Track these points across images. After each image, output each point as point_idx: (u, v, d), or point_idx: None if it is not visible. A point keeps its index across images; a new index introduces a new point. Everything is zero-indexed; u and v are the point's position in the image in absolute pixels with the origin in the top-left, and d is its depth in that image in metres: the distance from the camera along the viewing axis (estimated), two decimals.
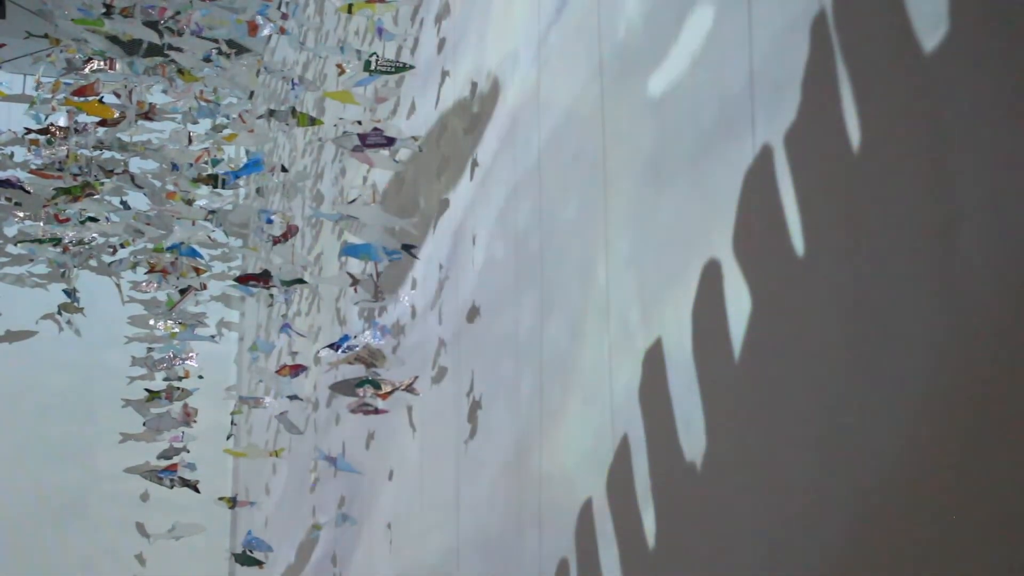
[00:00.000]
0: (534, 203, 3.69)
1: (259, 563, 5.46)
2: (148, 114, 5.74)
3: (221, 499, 6.41)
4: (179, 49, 4.98)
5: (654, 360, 2.85)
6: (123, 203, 6.04)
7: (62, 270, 6.58)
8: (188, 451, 5.90)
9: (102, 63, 5.41)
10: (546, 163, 3.63)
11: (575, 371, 3.32)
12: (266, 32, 5.15)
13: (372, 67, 4.33)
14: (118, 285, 6.49)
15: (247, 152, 5.30)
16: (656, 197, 2.89)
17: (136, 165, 6.14)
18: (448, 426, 4.36)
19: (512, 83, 3.94)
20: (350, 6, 4.36)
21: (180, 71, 5.24)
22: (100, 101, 5.38)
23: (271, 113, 5.25)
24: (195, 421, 6.05)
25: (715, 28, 2.66)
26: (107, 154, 6.06)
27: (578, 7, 3.46)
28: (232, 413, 6.69)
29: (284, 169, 6.36)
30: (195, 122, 5.69)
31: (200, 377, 6.15)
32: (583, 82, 3.38)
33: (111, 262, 6.60)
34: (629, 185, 3.06)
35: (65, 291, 6.69)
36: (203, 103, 5.62)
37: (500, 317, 3.92)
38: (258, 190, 6.42)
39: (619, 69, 3.17)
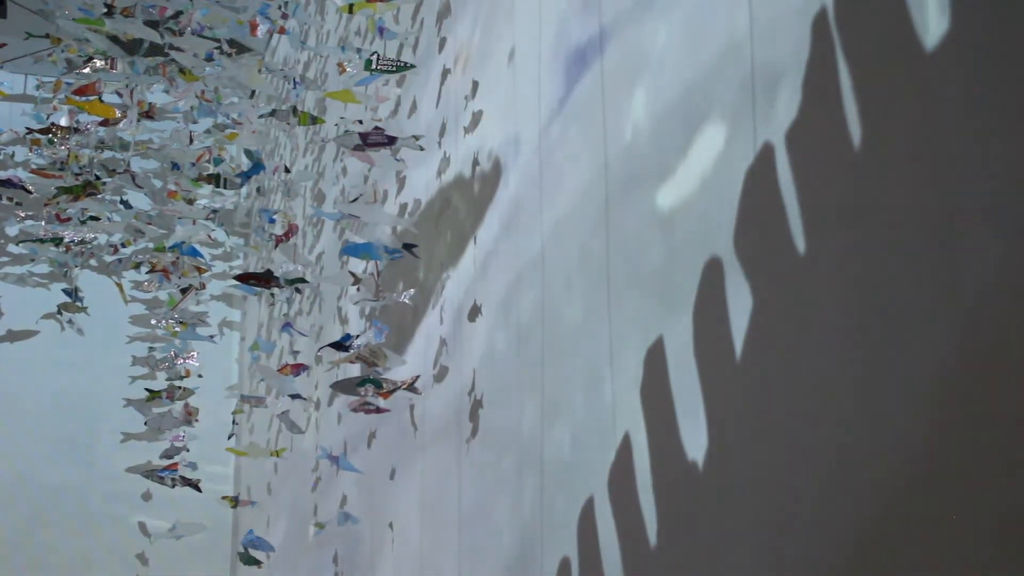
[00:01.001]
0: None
1: (257, 563, 5.47)
2: (149, 113, 5.75)
3: (224, 498, 6.42)
4: (179, 49, 4.99)
5: (655, 358, 2.85)
6: (123, 202, 6.05)
7: (64, 270, 6.59)
8: (188, 450, 5.90)
9: (103, 62, 5.42)
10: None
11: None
12: (264, 29, 5.16)
13: (373, 66, 4.34)
14: (119, 285, 6.51)
15: (247, 153, 5.30)
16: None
17: (137, 165, 6.15)
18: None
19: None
20: (351, 6, 4.36)
21: (182, 70, 5.25)
22: (100, 100, 5.39)
23: (272, 113, 5.26)
24: (197, 420, 6.06)
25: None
26: (108, 154, 6.07)
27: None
28: (233, 413, 6.70)
29: (287, 170, 6.37)
30: (195, 121, 5.70)
31: (199, 376, 6.16)
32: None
33: (111, 261, 6.61)
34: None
35: (66, 291, 6.70)
36: (204, 102, 5.63)
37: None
38: (258, 189, 6.43)
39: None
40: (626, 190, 3.09)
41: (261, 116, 5.28)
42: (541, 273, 3.62)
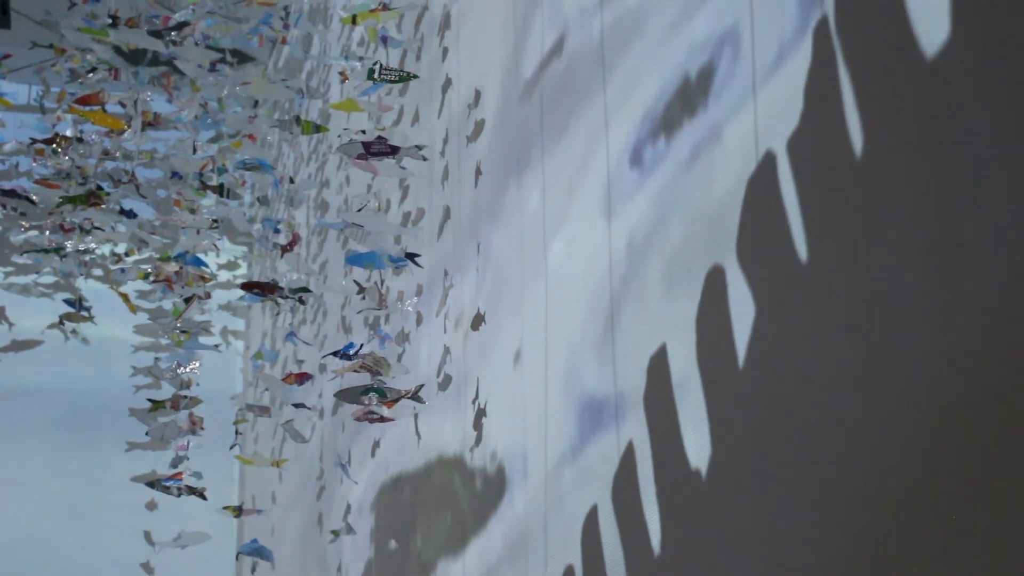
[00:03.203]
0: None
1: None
2: (153, 123, 5.76)
3: (226, 508, 6.41)
4: (181, 58, 5.00)
5: (659, 367, 2.85)
6: (123, 211, 6.04)
7: (68, 279, 6.60)
8: (188, 458, 5.90)
9: (106, 72, 5.43)
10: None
11: None
12: (261, 34, 5.17)
13: (376, 75, 4.34)
14: (124, 295, 6.51)
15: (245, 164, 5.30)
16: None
17: (142, 175, 6.15)
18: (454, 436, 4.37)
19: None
20: (354, 17, 4.37)
21: (184, 78, 5.26)
22: (104, 110, 5.40)
23: (279, 123, 5.27)
24: (202, 429, 6.05)
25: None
26: (112, 164, 6.08)
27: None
28: (235, 422, 6.70)
29: (291, 180, 6.38)
30: (197, 132, 5.70)
31: (197, 384, 6.15)
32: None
33: (114, 270, 6.62)
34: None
35: (69, 301, 6.70)
36: (206, 112, 5.64)
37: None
38: (260, 199, 6.43)
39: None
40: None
41: (273, 127, 5.29)
42: (545, 279, 3.62)
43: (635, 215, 3.00)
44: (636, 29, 3.07)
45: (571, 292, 3.41)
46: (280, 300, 4.94)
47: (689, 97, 2.76)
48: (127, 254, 6.61)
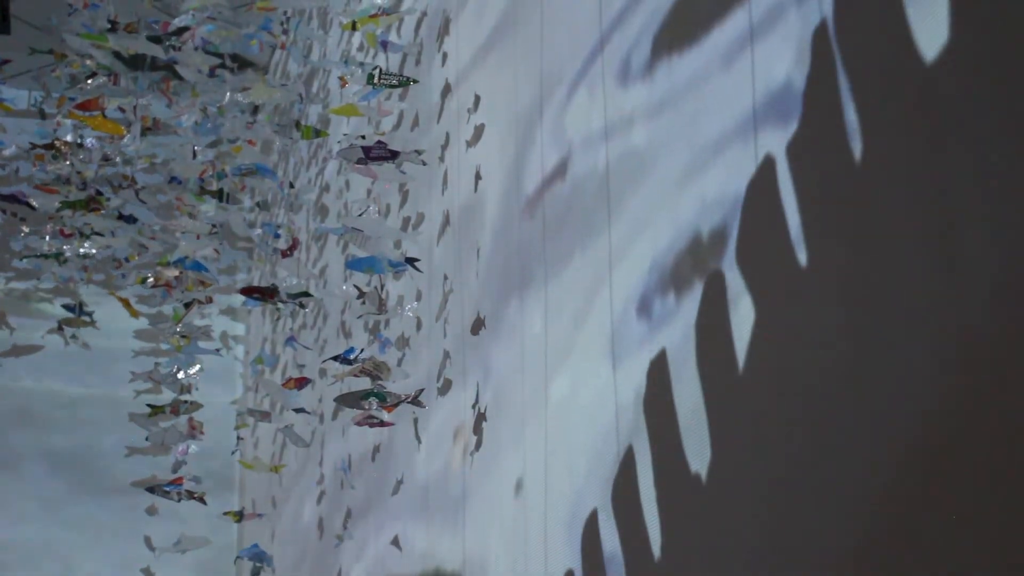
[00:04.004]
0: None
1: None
2: (152, 128, 5.76)
3: (226, 513, 6.42)
4: (183, 64, 5.01)
5: (658, 371, 2.85)
6: (120, 215, 6.04)
7: (69, 284, 6.60)
8: (186, 463, 5.90)
9: (106, 77, 5.43)
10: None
11: None
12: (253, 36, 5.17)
13: (375, 80, 4.35)
14: (125, 300, 6.51)
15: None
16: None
17: (142, 180, 6.16)
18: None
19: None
20: (354, 23, 4.37)
21: (184, 83, 5.26)
22: (104, 115, 5.41)
23: (279, 128, 5.27)
24: (202, 434, 6.06)
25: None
26: (111, 169, 6.08)
27: None
28: (236, 428, 6.70)
29: (291, 185, 6.38)
30: (197, 136, 5.70)
31: (196, 389, 6.16)
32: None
33: (115, 275, 6.62)
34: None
35: (68, 306, 6.70)
36: (206, 117, 5.64)
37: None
38: (259, 203, 6.44)
39: None
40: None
41: (276, 132, 5.30)
42: (544, 285, 3.62)
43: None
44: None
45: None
46: (280, 304, 4.94)
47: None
48: (127, 259, 6.60)
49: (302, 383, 5.21)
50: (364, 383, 4.28)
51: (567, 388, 3.42)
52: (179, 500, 5.81)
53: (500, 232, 4.04)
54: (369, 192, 5.36)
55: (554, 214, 3.57)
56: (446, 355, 4.51)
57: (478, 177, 4.27)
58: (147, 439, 5.90)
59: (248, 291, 4.95)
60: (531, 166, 3.76)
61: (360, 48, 5.73)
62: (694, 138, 2.72)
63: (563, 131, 3.52)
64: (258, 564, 5.40)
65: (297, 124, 5.33)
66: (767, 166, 2.42)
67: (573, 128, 3.46)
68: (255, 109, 5.53)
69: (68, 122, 5.92)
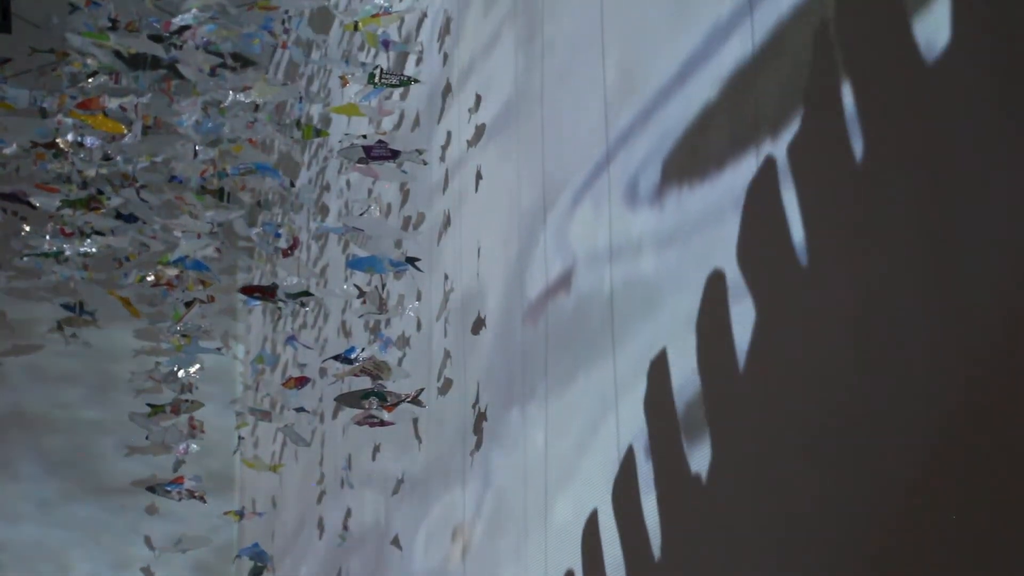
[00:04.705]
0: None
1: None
2: (153, 127, 5.75)
3: (227, 513, 6.41)
4: (184, 62, 5.00)
5: (659, 371, 2.85)
6: (119, 214, 6.03)
7: (70, 283, 6.59)
8: (184, 462, 5.89)
9: (107, 77, 5.43)
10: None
11: None
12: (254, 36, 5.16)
13: (377, 80, 4.34)
14: (126, 299, 6.50)
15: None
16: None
17: (143, 179, 6.14)
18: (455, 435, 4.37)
19: None
20: (356, 24, 4.36)
21: (185, 82, 5.26)
22: (105, 114, 5.40)
23: (279, 127, 5.26)
24: (203, 433, 6.05)
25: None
26: (112, 168, 6.07)
27: None
28: (237, 427, 6.69)
29: (292, 184, 6.37)
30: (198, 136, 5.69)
31: (196, 388, 6.15)
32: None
33: (115, 274, 6.61)
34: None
35: (67, 305, 6.69)
36: (207, 116, 5.63)
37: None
38: (259, 203, 6.43)
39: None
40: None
41: (277, 131, 5.29)
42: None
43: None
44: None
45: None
46: (281, 304, 4.94)
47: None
48: (128, 258, 6.60)
49: (302, 382, 5.20)
50: (364, 383, 4.28)
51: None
52: (180, 499, 5.81)
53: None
54: (370, 192, 5.36)
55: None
56: (447, 354, 4.51)
57: (479, 176, 4.27)
58: (147, 438, 5.89)
59: (248, 290, 4.95)
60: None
61: (361, 48, 5.73)
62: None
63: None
64: (260, 564, 5.39)
65: (298, 123, 5.33)
66: (768, 167, 2.42)
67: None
68: (256, 108, 5.52)
69: (69, 121, 5.91)
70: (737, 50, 2.52)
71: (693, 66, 2.73)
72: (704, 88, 2.67)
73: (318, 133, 5.50)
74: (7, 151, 6.61)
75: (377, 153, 4.18)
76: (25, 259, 6.54)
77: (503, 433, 3.94)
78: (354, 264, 4.29)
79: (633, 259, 3.05)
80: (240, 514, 6.52)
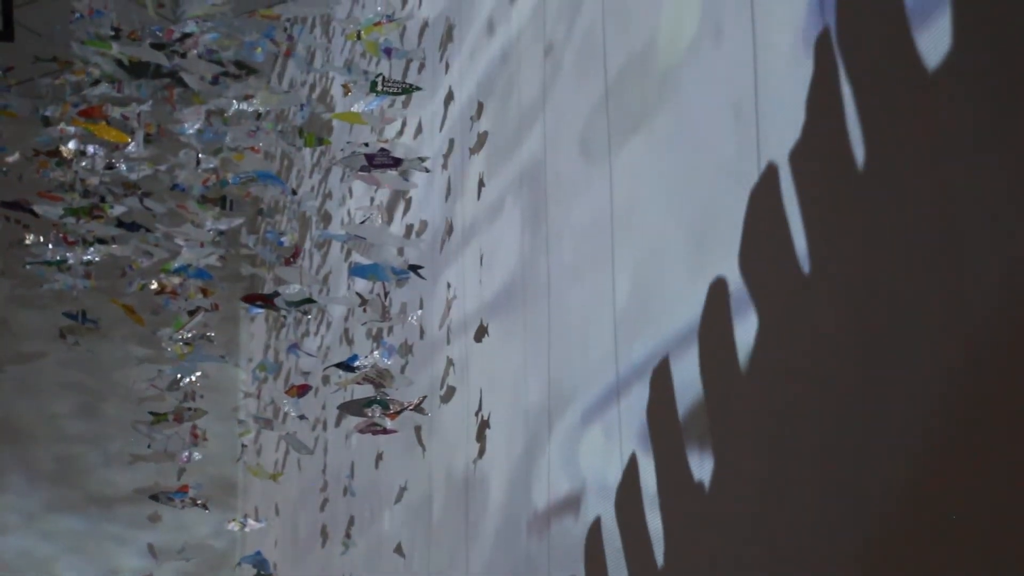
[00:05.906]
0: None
1: None
2: (156, 136, 5.77)
3: (231, 521, 6.42)
4: (186, 71, 5.01)
5: (661, 378, 2.85)
6: (120, 223, 6.04)
7: (72, 292, 6.61)
8: (184, 470, 5.90)
9: (109, 85, 5.44)
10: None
11: None
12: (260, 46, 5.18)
13: (379, 87, 4.34)
14: (129, 307, 6.52)
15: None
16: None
17: (145, 186, 6.16)
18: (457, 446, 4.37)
19: None
20: (358, 33, 4.37)
21: (187, 91, 5.27)
22: (108, 123, 5.42)
23: (281, 135, 5.27)
24: (206, 440, 6.06)
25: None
26: (114, 175, 6.08)
27: None
28: (240, 435, 6.70)
29: (294, 192, 6.38)
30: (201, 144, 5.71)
31: (200, 396, 6.16)
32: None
33: (117, 282, 6.62)
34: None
35: (69, 314, 6.70)
36: (210, 124, 5.65)
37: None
38: (260, 211, 6.44)
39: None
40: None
41: (278, 138, 5.31)
42: (548, 292, 3.62)
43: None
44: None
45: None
46: (284, 312, 4.94)
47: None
48: (131, 266, 6.61)
49: (304, 390, 5.21)
50: (367, 391, 4.28)
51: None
52: (183, 508, 5.82)
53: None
54: (372, 200, 5.37)
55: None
56: (449, 362, 4.51)
57: (481, 183, 4.27)
58: (149, 447, 5.90)
59: (250, 298, 4.96)
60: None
61: (363, 55, 5.74)
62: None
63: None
64: (261, 572, 5.40)
65: (300, 131, 5.34)
66: (770, 174, 2.42)
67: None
68: (258, 116, 5.53)
69: (72, 129, 5.93)
70: None
71: None
72: None
73: (320, 141, 5.50)
74: (10, 159, 6.63)
75: (379, 161, 4.19)
76: (28, 267, 6.55)
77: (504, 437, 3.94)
78: (357, 271, 4.30)
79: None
80: (243, 522, 6.52)
